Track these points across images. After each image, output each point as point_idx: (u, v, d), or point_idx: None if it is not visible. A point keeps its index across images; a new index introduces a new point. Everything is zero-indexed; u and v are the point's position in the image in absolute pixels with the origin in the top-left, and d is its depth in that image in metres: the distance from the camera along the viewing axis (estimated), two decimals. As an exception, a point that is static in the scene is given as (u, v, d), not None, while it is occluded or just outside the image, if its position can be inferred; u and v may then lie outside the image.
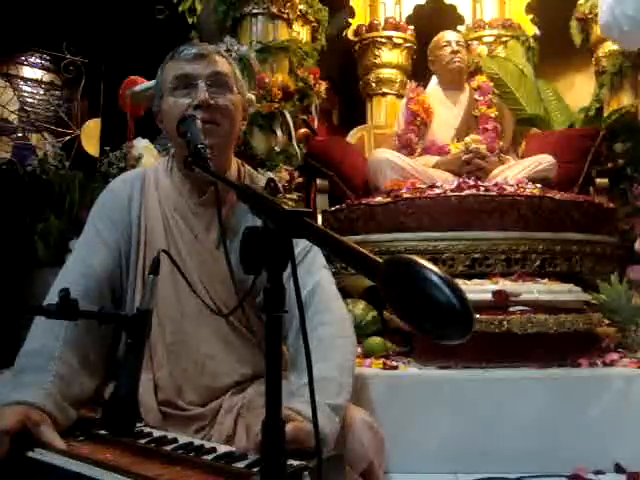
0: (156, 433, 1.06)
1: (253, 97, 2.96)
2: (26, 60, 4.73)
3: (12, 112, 4.56)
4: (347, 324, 1.25)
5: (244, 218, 1.27)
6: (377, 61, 4.22)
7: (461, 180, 2.82)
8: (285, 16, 3.33)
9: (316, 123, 3.60)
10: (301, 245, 1.24)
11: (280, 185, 2.91)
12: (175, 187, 1.31)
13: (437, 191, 2.65)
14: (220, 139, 1.25)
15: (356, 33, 4.30)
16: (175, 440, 1.01)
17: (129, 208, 1.30)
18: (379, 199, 2.76)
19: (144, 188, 1.32)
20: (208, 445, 0.98)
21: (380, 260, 0.56)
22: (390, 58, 4.21)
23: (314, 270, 1.26)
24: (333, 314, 1.22)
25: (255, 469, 0.87)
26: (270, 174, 2.93)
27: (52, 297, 1.19)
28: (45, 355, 1.10)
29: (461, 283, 2.27)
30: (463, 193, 2.60)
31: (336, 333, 1.19)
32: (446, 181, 2.84)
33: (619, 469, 1.98)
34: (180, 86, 1.23)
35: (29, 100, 4.68)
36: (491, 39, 4.15)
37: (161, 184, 1.32)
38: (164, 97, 1.25)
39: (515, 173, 2.97)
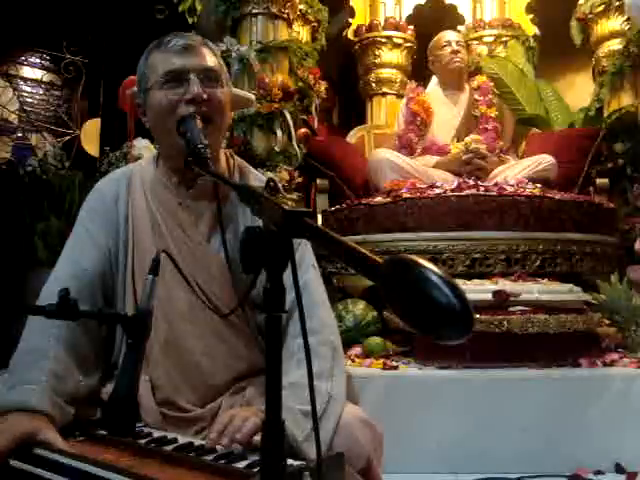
0: (156, 433, 1.06)
1: (253, 97, 2.96)
2: (26, 60, 4.73)
3: (12, 112, 4.56)
4: (329, 330, 1.23)
5: (237, 211, 1.27)
6: (377, 61, 4.22)
7: (461, 180, 2.82)
8: (285, 16, 3.34)
9: (316, 123, 3.60)
10: None
11: (280, 185, 2.91)
12: (162, 181, 1.29)
13: (437, 191, 2.65)
14: (214, 136, 1.23)
15: (356, 33, 4.30)
16: (175, 440, 1.01)
17: (116, 207, 1.28)
18: (379, 199, 2.76)
19: (130, 186, 1.30)
20: (208, 445, 0.98)
21: (380, 260, 0.56)
22: (390, 58, 4.21)
23: (302, 271, 1.24)
24: (315, 321, 1.21)
25: (255, 469, 0.87)
26: (270, 174, 2.93)
27: (44, 297, 1.19)
28: (39, 354, 1.10)
29: (461, 283, 2.27)
30: (463, 193, 2.60)
31: (316, 341, 1.18)
32: (446, 181, 2.84)
33: (619, 469, 1.98)
34: (170, 80, 1.20)
35: (29, 100, 4.68)
36: (491, 39, 4.15)
37: (147, 180, 1.30)
38: (151, 91, 1.22)
39: (515, 173, 2.97)
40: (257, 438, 0.97)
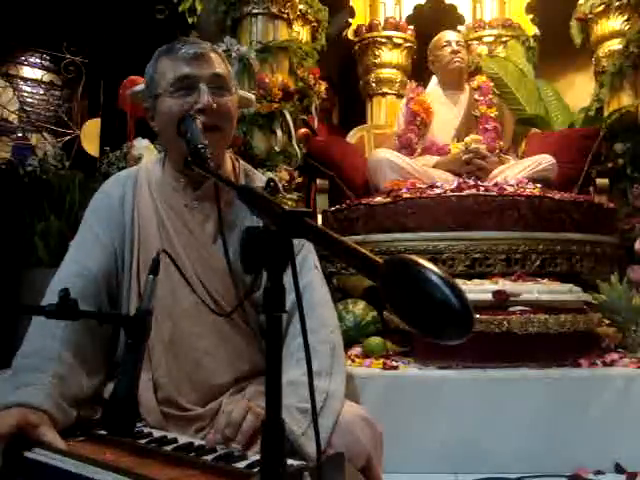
0: (156, 433, 1.06)
1: (253, 97, 2.96)
2: (26, 60, 4.73)
3: (12, 112, 4.56)
4: (329, 330, 1.24)
5: (241, 212, 1.27)
6: (377, 61, 4.22)
7: (461, 180, 2.82)
8: (285, 16, 3.33)
9: (316, 123, 3.60)
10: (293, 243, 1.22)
11: (280, 185, 2.91)
12: (169, 183, 1.30)
13: (437, 191, 2.65)
14: (220, 144, 1.25)
15: (356, 33, 4.30)
16: (175, 440, 1.01)
17: (122, 208, 1.29)
18: (379, 199, 2.76)
19: (136, 187, 1.31)
20: (209, 445, 0.98)
21: (380, 260, 0.56)
22: (390, 58, 4.21)
23: (304, 271, 1.26)
24: (316, 320, 1.22)
25: (255, 469, 0.87)
26: (270, 174, 2.93)
27: (49, 297, 1.19)
28: (43, 355, 1.10)
29: (461, 283, 2.27)
30: (463, 193, 2.60)
31: (316, 339, 1.19)
32: (446, 181, 2.84)
33: (619, 469, 1.98)
34: (180, 88, 1.21)
35: (29, 100, 4.69)
36: (491, 39, 4.15)
37: (154, 181, 1.31)
38: (161, 97, 1.23)
39: (515, 173, 2.97)
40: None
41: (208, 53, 1.24)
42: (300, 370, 1.12)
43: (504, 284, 2.28)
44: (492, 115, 3.35)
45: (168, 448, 0.98)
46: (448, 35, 3.46)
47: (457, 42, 3.41)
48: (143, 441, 1.01)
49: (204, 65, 1.23)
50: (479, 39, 4.18)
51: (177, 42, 1.25)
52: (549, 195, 2.64)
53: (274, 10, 3.27)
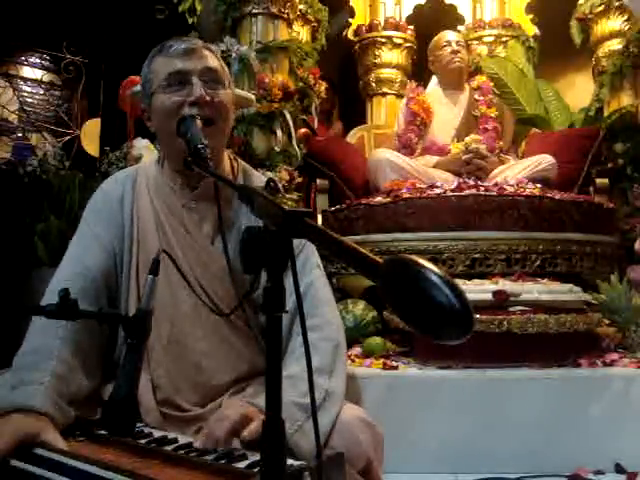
0: (156, 433, 1.06)
1: (253, 97, 2.96)
2: (26, 60, 4.73)
3: (12, 112, 4.56)
4: (332, 328, 1.24)
5: (240, 212, 1.27)
6: (377, 61, 4.22)
7: (461, 180, 2.83)
8: (285, 16, 3.33)
9: (316, 123, 3.60)
10: (295, 243, 1.22)
11: (280, 185, 2.91)
12: (167, 183, 1.30)
13: (437, 191, 2.65)
14: (216, 139, 1.24)
15: (356, 33, 4.30)
16: (175, 440, 1.01)
17: (121, 208, 1.29)
18: (379, 199, 2.76)
19: (135, 187, 1.31)
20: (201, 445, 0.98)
21: (380, 260, 0.56)
22: (390, 58, 4.21)
23: (307, 270, 1.26)
24: (319, 318, 1.22)
25: (255, 469, 0.87)
26: (270, 174, 2.93)
27: (48, 297, 1.19)
28: (42, 354, 1.10)
29: (461, 283, 2.27)
30: (463, 193, 2.60)
31: (319, 337, 1.19)
32: (446, 181, 2.85)
33: (619, 469, 1.98)
34: (173, 83, 1.21)
35: (29, 100, 4.68)
36: (491, 39, 4.16)
37: (152, 181, 1.31)
38: (155, 94, 1.23)
39: (515, 173, 2.97)
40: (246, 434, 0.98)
41: (200, 48, 1.24)
42: (300, 366, 1.12)
43: (504, 284, 2.28)
44: (492, 115, 3.36)
45: (168, 448, 0.98)
46: (448, 35, 3.46)
47: (457, 42, 3.41)
48: (143, 441, 1.01)
49: (196, 59, 1.23)
50: (479, 39, 4.19)
51: (169, 41, 1.25)
52: (549, 195, 2.64)
53: (274, 10, 3.27)
